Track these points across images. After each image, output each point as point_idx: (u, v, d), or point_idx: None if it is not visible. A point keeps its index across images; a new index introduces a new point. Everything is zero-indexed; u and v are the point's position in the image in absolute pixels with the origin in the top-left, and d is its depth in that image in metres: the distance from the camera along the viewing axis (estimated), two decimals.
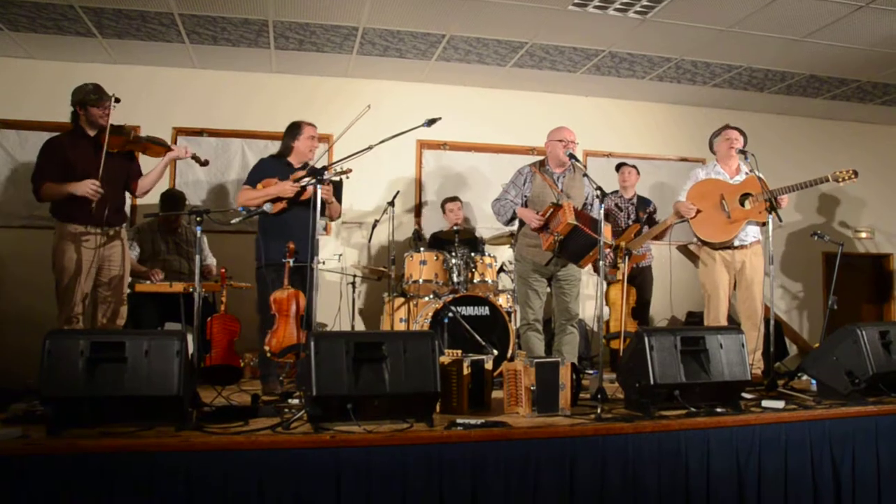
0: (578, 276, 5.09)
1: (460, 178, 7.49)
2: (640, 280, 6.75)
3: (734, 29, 5.90)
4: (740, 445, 3.52)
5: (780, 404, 3.85)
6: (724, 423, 3.53)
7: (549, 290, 5.18)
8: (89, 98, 4.35)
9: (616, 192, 6.89)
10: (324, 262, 5.78)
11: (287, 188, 4.73)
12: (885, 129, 8.74)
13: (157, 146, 4.59)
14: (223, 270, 5.23)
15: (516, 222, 5.24)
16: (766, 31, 5.94)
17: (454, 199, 6.84)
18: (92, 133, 4.41)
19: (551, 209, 4.79)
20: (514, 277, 5.32)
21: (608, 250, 4.85)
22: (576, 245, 4.72)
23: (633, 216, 6.71)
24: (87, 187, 4.20)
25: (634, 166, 6.95)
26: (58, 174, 4.29)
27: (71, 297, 4.30)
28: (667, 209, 6.85)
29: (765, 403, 3.88)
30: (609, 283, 6.40)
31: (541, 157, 5.24)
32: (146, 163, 4.73)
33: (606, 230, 4.83)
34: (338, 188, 5.14)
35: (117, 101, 4.42)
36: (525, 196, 5.07)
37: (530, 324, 5.03)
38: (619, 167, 6.96)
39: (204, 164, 4.73)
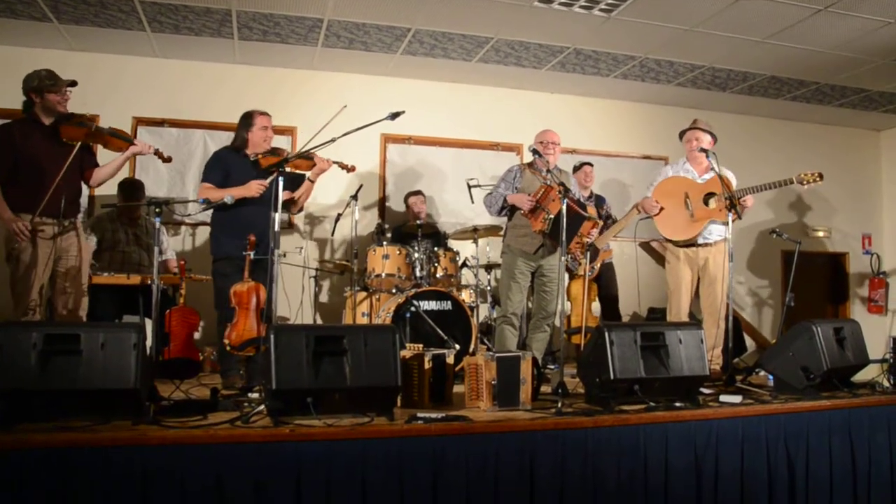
0: (560, 274, 5.10)
1: (424, 173, 7.47)
2: (607, 276, 6.81)
3: (697, 29, 5.96)
4: (698, 439, 3.57)
5: (737, 399, 3.92)
6: (682, 418, 3.58)
7: (531, 286, 5.20)
8: (45, 84, 4.18)
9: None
10: (284, 255, 5.72)
11: (252, 188, 4.65)
12: (842, 130, 8.92)
13: (118, 140, 4.43)
14: (182, 263, 5.15)
15: (507, 214, 5.20)
16: (728, 32, 6.02)
17: (417, 192, 6.83)
18: (47, 121, 4.25)
19: (543, 189, 4.81)
20: (501, 269, 5.31)
21: (595, 230, 4.88)
22: (567, 224, 4.73)
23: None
24: (17, 226, 4.06)
25: (591, 164, 6.99)
26: (7, 166, 4.13)
27: (28, 289, 4.17)
28: (625, 206, 6.92)
29: (723, 398, 3.94)
30: (572, 277, 6.44)
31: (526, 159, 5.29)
32: (105, 155, 4.61)
33: (591, 211, 4.86)
34: (298, 180, 5.09)
35: (74, 84, 4.29)
36: (516, 188, 5.09)
37: (507, 317, 5.03)
38: (577, 168, 6.98)
39: (167, 160, 4.62)
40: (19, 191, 4.15)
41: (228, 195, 4.45)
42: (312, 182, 5.06)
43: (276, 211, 3.90)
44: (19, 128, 4.23)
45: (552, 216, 4.73)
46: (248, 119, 4.94)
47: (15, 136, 4.17)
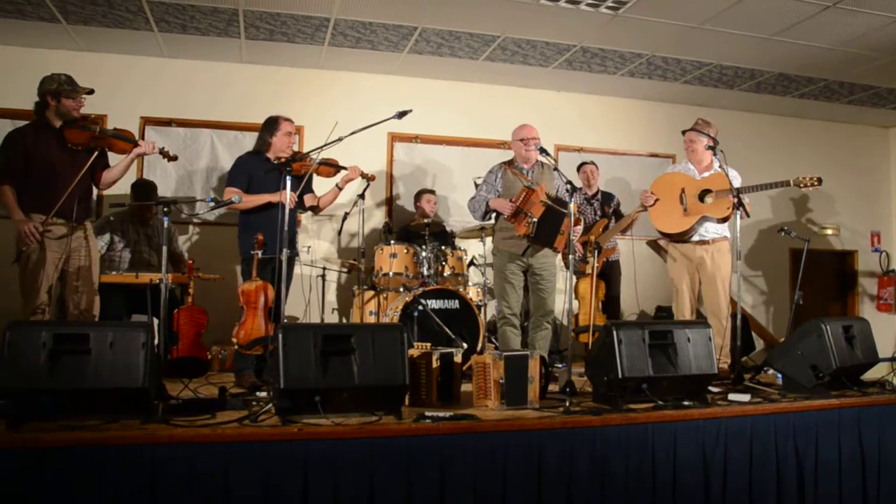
0: (554, 270, 5.10)
1: (431, 171, 7.47)
2: (610, 274, 6.79)
3: (705, 26, 5.94)
4: (707, 438, 3.56)
5: (745, 398, 3.91)
6: (691, 417, 3.57)
7: (525, 284, 5.19)
8: (63, 89, 4.27)
9: (580, 189, 6.92)
10: (297, 255, 5.74)
11: (284, 198, 4.68)
12: (851, 127, 8.87)
13: (122, 142, 4.46)
14: (190, 262, 5.16)
15: (492, 217, 5.20)
16: (735, 29, 6.00)
17: (431, 191, 6.82)
18: (58, 124, 4.31)
19: (524, 193, 4.81)
20: (492, 272, 5.32)
21: (579, 227, 4.88)
22: (550, 224, 4.73)
23: (599, 212, 6.75)
24: (28, 228, 4.12)
25: (594, 163, 6.99)
26: (19, 170, 4.21)
27: (37, 288, 4.21)
28: (632, 204, 6.90)
29: (731, 397, 3.93)
30: (578, 277, 6.43)
31: (511, 155, 5.27)
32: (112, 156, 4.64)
33: (575, 209, 4.87)
34: (308, 179, 5.12)
35: (91, 92, 4.38)
36: (497, 191, 5.08)
37: (506, 318, 5.02)
38: (580, 167, 6.98)
39: (173, 158, 4.66)
40: (32, 193, 4.22)
41: (237, 195, 4.48)
42: (340, 189, 5.26)
43: (285, 211, 3.93)
44: (30, 131, 4.30)
45: (535, 220, 4.73)
46: (272, 124, 5.00)
47: (27, 140, 4.24)
